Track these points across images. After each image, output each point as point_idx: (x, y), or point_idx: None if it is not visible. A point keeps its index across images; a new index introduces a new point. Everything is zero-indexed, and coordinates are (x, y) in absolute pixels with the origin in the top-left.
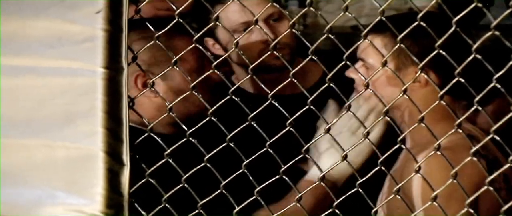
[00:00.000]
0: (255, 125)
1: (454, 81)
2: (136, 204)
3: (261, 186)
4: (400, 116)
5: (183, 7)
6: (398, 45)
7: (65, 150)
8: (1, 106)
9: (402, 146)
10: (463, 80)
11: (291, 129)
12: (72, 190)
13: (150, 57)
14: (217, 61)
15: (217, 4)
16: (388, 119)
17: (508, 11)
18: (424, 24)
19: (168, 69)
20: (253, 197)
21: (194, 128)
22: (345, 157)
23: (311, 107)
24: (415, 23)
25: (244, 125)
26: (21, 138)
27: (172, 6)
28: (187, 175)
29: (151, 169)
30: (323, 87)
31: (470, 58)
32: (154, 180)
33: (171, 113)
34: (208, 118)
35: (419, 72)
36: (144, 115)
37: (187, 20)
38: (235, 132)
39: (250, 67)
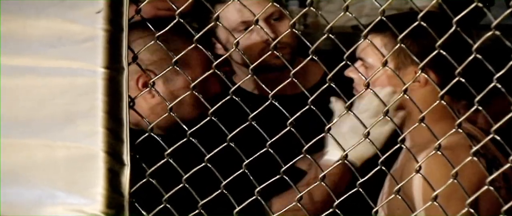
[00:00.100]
0: (255, 125)
1: (454, 81)
2: (136, 204)
3: (261, 186)
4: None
5: (183, 7)
6: (398, 44)
7: (65, 150)
8: (1, 106)
9: (403, 145)
10: (463, 80)
11: (292, 129)
12: (72, 190)
13: (153, 57)
14: (217, 61)
15: (217, 4)
16: (389, 119)
17: (508, 11)
18: (424, 24)
19: (168, 69)
20: (253, 197)
21: (194, 129)
22: (367, 135)
23: (312, 107)
24: (416, 23)
25: (244, 125)
26: (21, 138)
27: (173, 6)
28: (187, 175)
29: (151, 169)
30: (324, 87)
31: (470, 58)
32: (154, 180)
33: (171, 113)
34: (208, 118)
35: (420, 72)
36: (137, 116)
37: (188, 20)
38: (235, 132)
39: (250, 67)
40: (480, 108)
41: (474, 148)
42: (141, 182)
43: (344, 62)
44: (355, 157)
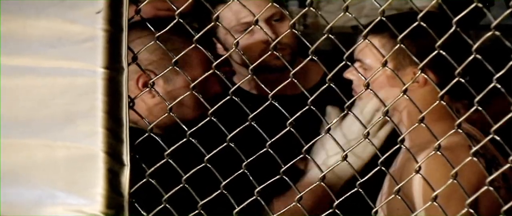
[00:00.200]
0: (255, 125)
1: (454, 81)
2: (136, 204)
3: (261, 186)
4: (398, 116)
5: (183, 7)
6: (398, 45)
7: (65, 150)
8: (1, 106)
9: (403, 145)
10: (463, 80)
11: (292, 129)
12: (72, 190)
13: (153, 57)
14: (217, 61)
15: (218, 4)
16: (389, 119)
17: (508, 11)
18: (424, 24)
19: (168, 69)
20: (253, 197)
21: (194, 128)
22: (345, 158)
23: (312, 107)
24: (415, 23)
25: (244, 125)
26: (21, 138)
27: (172, 6)
28: (187, 175)
29: (151, 169)
30: (324, 87)
31: (470, 58)
32: (153, 180)
33: (171, 113)
34: (208, 118)
35: (419, 72)
36: (135, 115)
37: (188, 20)
38: (235, 132)
39: (250, 67)
40: (480, 108)
41: (474, 149)
42: (141, 182)
43: (343, 63)
44: (336, 176)
